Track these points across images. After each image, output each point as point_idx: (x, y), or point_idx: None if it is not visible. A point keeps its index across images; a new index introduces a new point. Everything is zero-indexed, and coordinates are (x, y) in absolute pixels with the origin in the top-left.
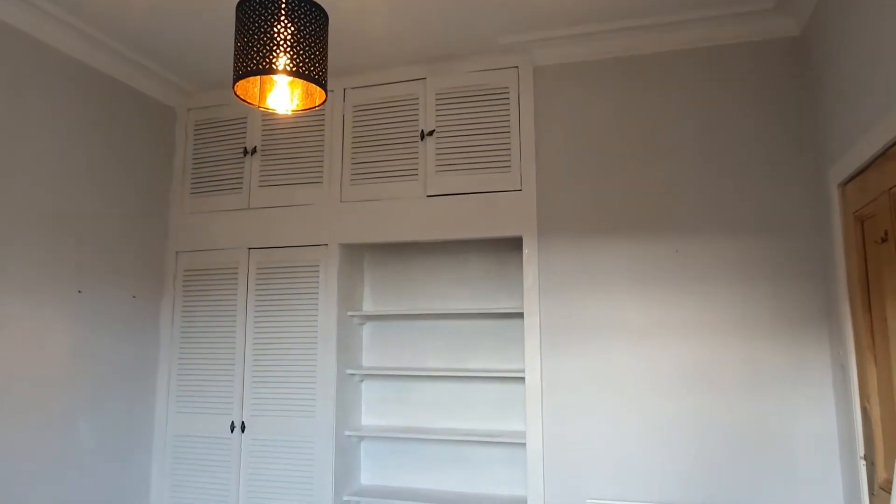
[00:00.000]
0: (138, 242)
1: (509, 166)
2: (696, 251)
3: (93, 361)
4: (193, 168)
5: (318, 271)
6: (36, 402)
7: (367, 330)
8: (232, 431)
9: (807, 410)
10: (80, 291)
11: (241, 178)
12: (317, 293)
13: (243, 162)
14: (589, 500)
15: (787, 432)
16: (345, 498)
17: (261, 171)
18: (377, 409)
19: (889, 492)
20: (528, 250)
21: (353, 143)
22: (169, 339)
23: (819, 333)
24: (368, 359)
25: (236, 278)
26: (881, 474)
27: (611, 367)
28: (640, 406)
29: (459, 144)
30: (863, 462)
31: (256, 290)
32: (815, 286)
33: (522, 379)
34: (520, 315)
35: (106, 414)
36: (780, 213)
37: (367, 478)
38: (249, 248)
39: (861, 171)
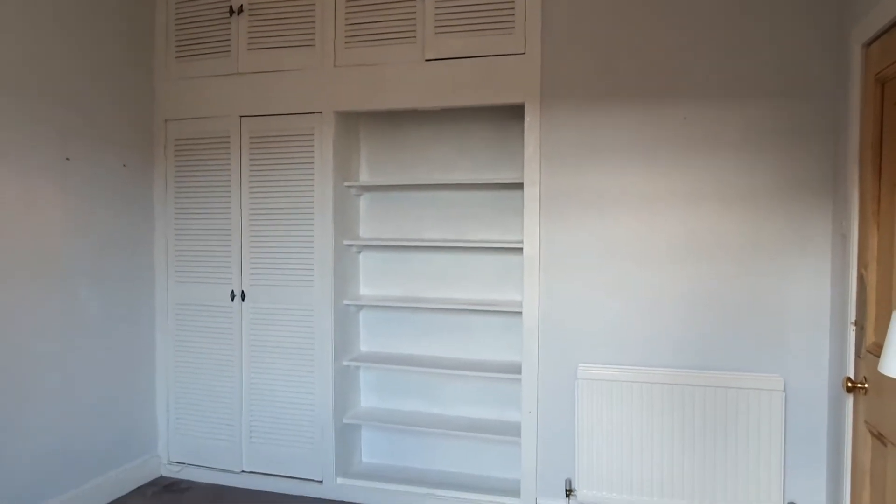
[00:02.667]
0: (125, 109)
1: (513, 27)
2: (704, 118)
3: (88, 230)
4: (177, 29)
5: (312, 140)
6: (33, 270)
7: (364, 201)
8: (232, 300)
9: (802, 280)
10: (67, 159)
11: (229, 40)
12: (312, 163)
13: (229, 22)
14: (581, 365)
15: (780, 302)
16: (345, 363)
17: (249, 32)
18: (375, 279)
19: (877, 355)
20: (530, 118)
21: (346, 1)
22: (163, 210)
23: (822, 203)
24: (366, 230)
25: (229, 148)
26: (870, 338)
27: (610, 237)
28: (636, 275)
29: (460, 2)
30: (853, 328)
31: (250, 160)
32: (824, 154)
33: (521, 250)
34: (520, 186)
35: (106, 283)
36: (796, 76)
37: (366, 345)
38: (241, 117)
39: (885, 31)
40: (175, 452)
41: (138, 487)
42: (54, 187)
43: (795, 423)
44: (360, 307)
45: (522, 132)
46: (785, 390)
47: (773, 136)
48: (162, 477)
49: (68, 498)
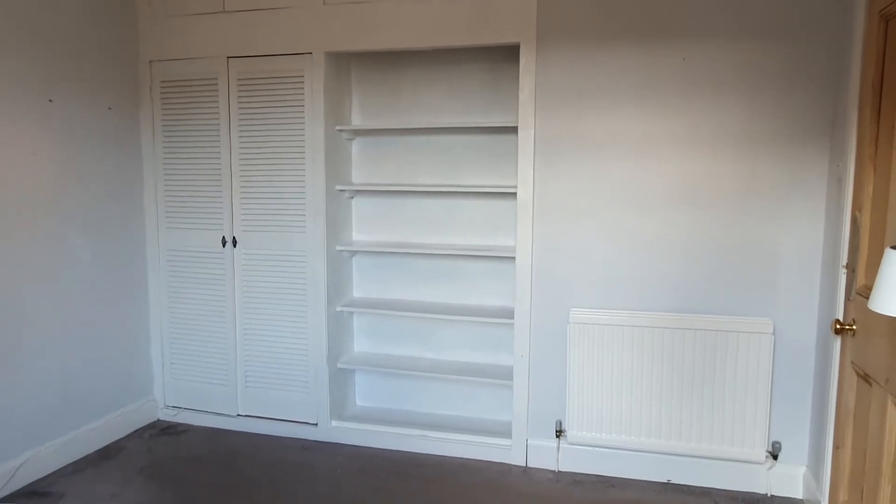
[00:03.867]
0: (108, 49)
1: None
2: (703, 59)
3: (75, 175)
4: None
5: (302, 82)
6: (21, 215)
7: (356, 146)
8: (224, 246)
9: (795, 225)
10: (50, 101)
11: None
12: (302, 106)
13: None
14: (574, 309)
15: (773, 246)
16: (338, 308)
17: None
18: (368, 225)
19: (867, 297)
20: (526, 59)
21: None
22: (152, 154)
23: (820, 146)
24: (358, 175)
25: (217, 90)
26: (861, 280)
27: (604, 181)
28: (630, 220)
29: None
30: (844, 270)
31: (239, 102)
32: (824, 96)
33: (514, 194)
34: (514, 129)
35: (96, 228)
36: (798, 14)
37: (359, 291)
38: (228, 58)
39: None
40: (171, 397)
41: (136, 430)
42: (38, 130)
43: (783, 365)
44: (353, 253)
45: (517, 74)
46: (774, 333)
47: (773, 77)
48: (159, 420)
49: (67, 440)
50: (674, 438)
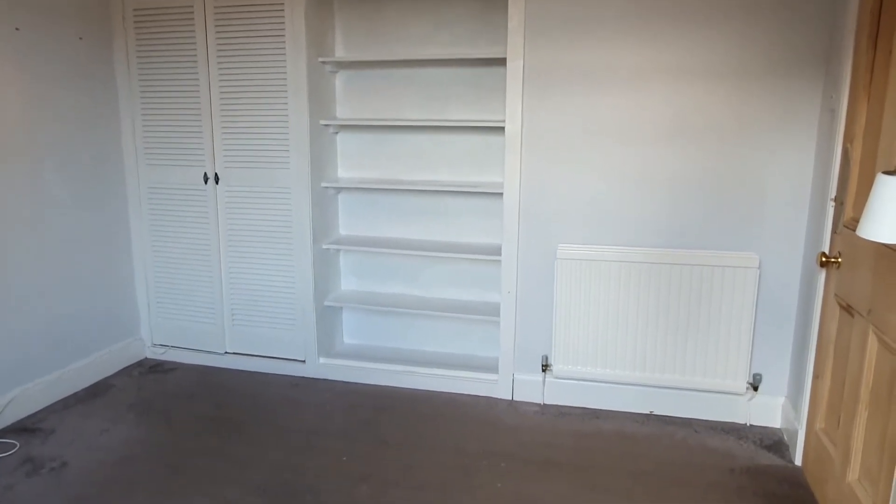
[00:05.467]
0: None
1: None
2: None
3: (48, 108)
4: None
5: (283, 12)
6: None
7: (340, 80)
8: (206, 183)
9: (785, 159)
10: (17, 29)
11: None
12: (283, 37)
13: None
14: (561, 245)
15: (762, 181)
16: (324, 246)
17: None
18: (353, 161)
19: (854, 229)
20: None
21: None
22: (127, 88)
23: (813, 78)
24: (343, 110)
25: (193, 19)
26: (849, 213)
27: (593, 115)
28: (619, 155)
29: None
30: (832, 203)
31: (217, 33)
32: (821, 25)
33: (502, 129)
34: (502, 61)
35: (72, 164)
36: None
37: (345, 228)
38: None
39: None
40: (158, 336)
41: (124, 368)
42: (5, 60)
43: (766, 299)
44: (339, 190)
45: (505, 4)
46: (759, 267)
47: (769, 5)
48: (147, 359)
49: (55, 378)
50: (657, 371)
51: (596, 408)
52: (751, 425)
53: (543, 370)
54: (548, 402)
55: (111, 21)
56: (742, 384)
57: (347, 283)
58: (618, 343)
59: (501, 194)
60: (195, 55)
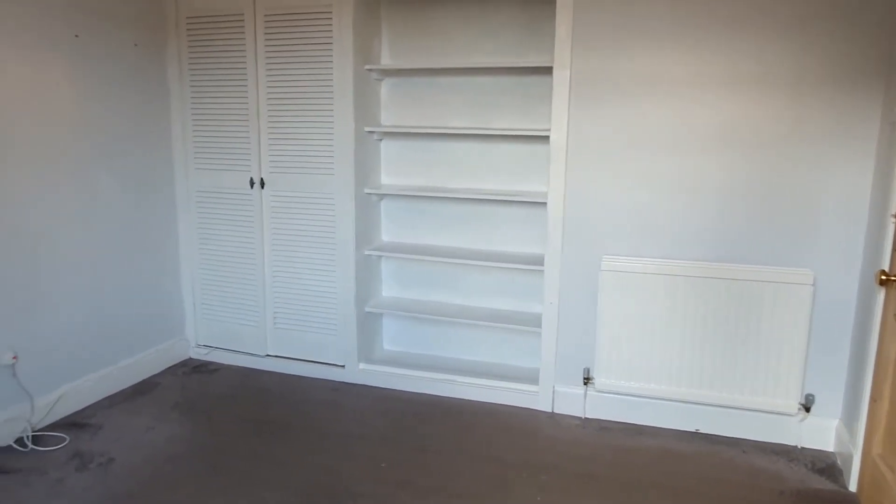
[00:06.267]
0: None
1: None
2: None
3: (102, 112)
4: None
5: (331, 19)
6: (47, 152)
7: (385, 87)
8: (252, 187)
9: (841, 172)
10: (77, 36)
11: None
12: (331, 44)
13: None
14: (606, 256)
15: (816, 194)
16: (366, 252)
17: None
18: (397, 168)
19: None
20: None
21: None
22: (179, 93)
23: (873, 88)
24: (387, 117)
25: (243, 26)
26: None
27: (641, 124)
28: (666, 165)
29: None
30: (893, 220)
31: (266, 40)
32: (880, 35)
33: (547, 138)
34: (548, 70)
35: (124, 167)
36: None
37: (387, 235)
38: None
39: None
40: (202, 336)
41: (169, 367)
42: (65, 65)
43: (821, 317)
44: (382, 196)
45: (552, 12)
46: (814, 284)
47: (825, 13)
48: (191, 359)
49: (103, 375)
50: (704, 388)
51: (639, 423)
52: (802, 448)
53: (585, 383)
54: (589, 415)
55: (165, 28)
56: (793, 404)
57: (388, 290)
58: (663, 358)
59: (545, 204)
60: (244, 61)
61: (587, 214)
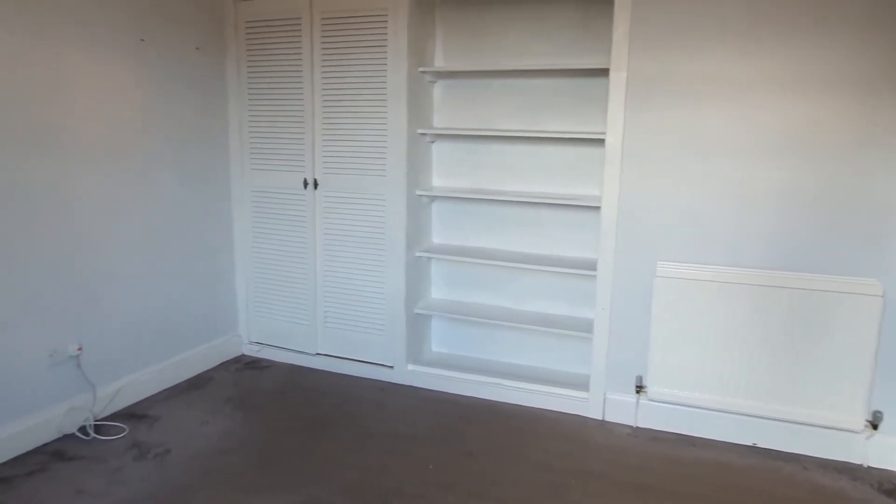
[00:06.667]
0: None
1: None
2: None
3: (164, 113)
4: None
5: (386, 22)
6: (112, 152)
7: (438, 89)
8: (305, 188)
9: None
10: (142, 40)
11: None
12: (385, 47)
13: None
14: (661, 263)
15: (885, 200)
16: (416, 254)
17: None
18: (448, 170)
19: None
20: None
21: None
22: (237, 94)
23: None
24: (439, 119)
25: (300, 30)
26: None
27: (698, 128)
28: (726, 169)
29: None
30: None
31: (322, 43)
32: None
33: (601, 141)
34: (602, 72)
35: (183, 166)
36: None
37: (437, 237)
38: None
39: None
40: (254, 334)
41: (222, 363)
42: (131, 70)
43: (892, 330)
44: (433, 198)
45: (609, 13)
46: (884, 296)
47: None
48: (243, 355)
49: (159, 368)
50: (763, 401)
51: (693, 435)
52: (868, 467)
53: (637, 391)
54: (641, 424)
55: (224, 32)
56: (859, 421)
57: (437, 292)
58: (720, 368)
59: (597, 208)
60: (300, 64)
61: (642, 219)
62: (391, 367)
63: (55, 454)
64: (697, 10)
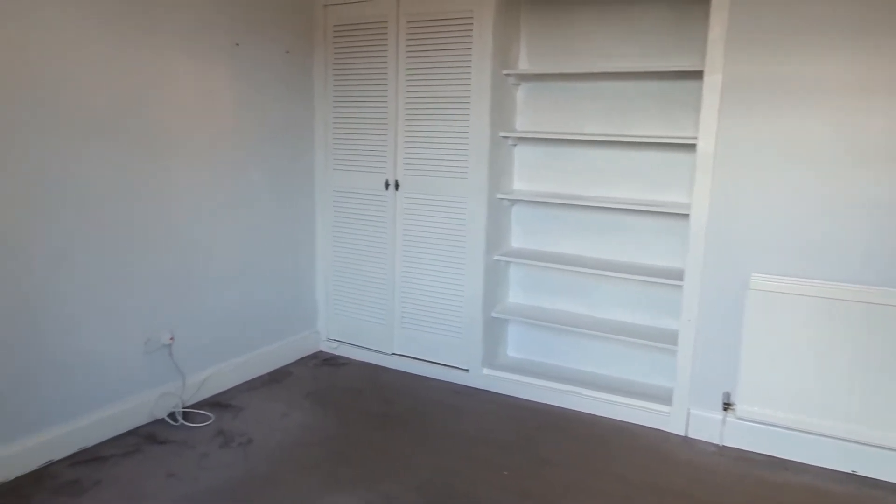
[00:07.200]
0: None
1: None
2: None
3: (254, 114)
4: None
5: (471, 24)
6: (206, 151)
7: (521, 91)
8: (386, 189)
9: None
10: (237, 44)
11: None
12: (470, 49)
13: None
14: (755, 275)
15: None
16: (495, 258)
17: None
18: (530, 174)
19: None
20: None
21: None
22: (322, 96)
23: None
24: (522, 122)
25: (386, 33)
26: None
27: (799, 134)
28: (826, 178)
29: None
30: None
31: (407, 45)
32: None
33: (691, 146)
34: (696, 74)
35: (270, 166)
36: None
37: (517, 241)
38: None
39: None
40: (332, 331)
41: (301, 358)
42: (226, 73)
43: None
44: (514, 202)
45: (702, 13)
46: None
47: None
48: (321, 352)
49: (243, 360)
50: (865, 426)
51: (784, 458)
52: None
53: (725, 408)
54: (727, 443)
55: (313, 36)
56: None
57: (515, 296)
58: (818, 388)
59: (684, 215)
60: (385, 66)
61: (734, 229)
62: (466, 370)
63: (148, 437)
64: (801, 10)
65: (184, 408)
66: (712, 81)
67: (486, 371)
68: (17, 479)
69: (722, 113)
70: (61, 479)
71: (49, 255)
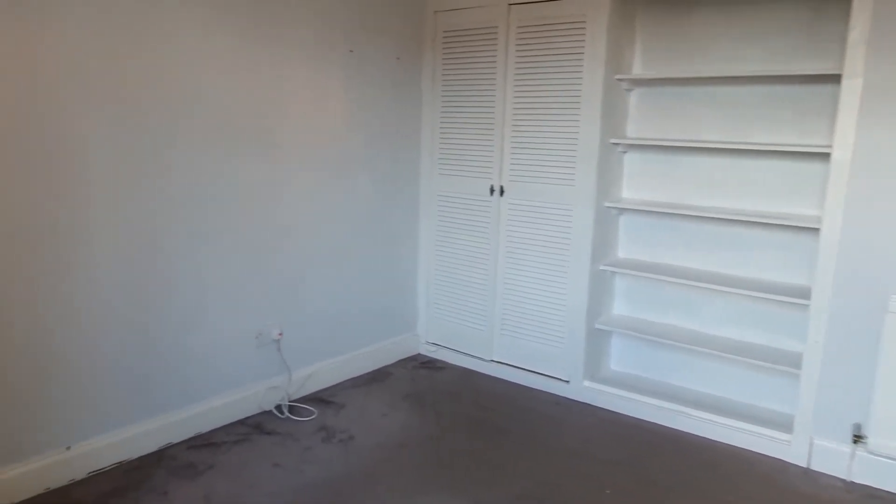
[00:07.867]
0: (399, 1)
1: None
2: None
3: (364, 119)
4: None
5: (584, 28)
6: (317, 154)
7: (634, 97)
8: (491, 194)
9: None
10: (351, 51)
11: None
12: (582, 54)
13: None
14: (895, 296)
15: None
16: (601, 267)
17: None
18: (640, 182)
19: None
20: None
21: None
22: (431, 102)
23: None
24: (633, 129)
25: (496, 38)
26: None
27: None
28: None
29: None
30: None
31: (517, 50)
32: None
33: (821, 155)
34: (830, 79)
35: (377, 169)
36: None
37: (623, 251)
38: (510, 4)
39: None
40: (432, 334)
41: (400, 360)
42: (339, 76)
43: None
44: (622, 211)
45: (837, 13)
46: None
47: None
48: (419, 354)
49: (346, 359)
50: None
51: None
52: None
53: (855, 441)
54: (856, 479)
55: (423, 42)
56: None
57: (620, 308)
58: None
59: (813, 229)
60: (494, 72)
61: (871, 245)
62: (567, 381)
63: (256, 427)
64: None
65: (289, 401)
66: (852, 86)
67: (587, 383)
68: (140, 458)
69: (861, 120)
70: (179, 462)
71: (179, 255)
